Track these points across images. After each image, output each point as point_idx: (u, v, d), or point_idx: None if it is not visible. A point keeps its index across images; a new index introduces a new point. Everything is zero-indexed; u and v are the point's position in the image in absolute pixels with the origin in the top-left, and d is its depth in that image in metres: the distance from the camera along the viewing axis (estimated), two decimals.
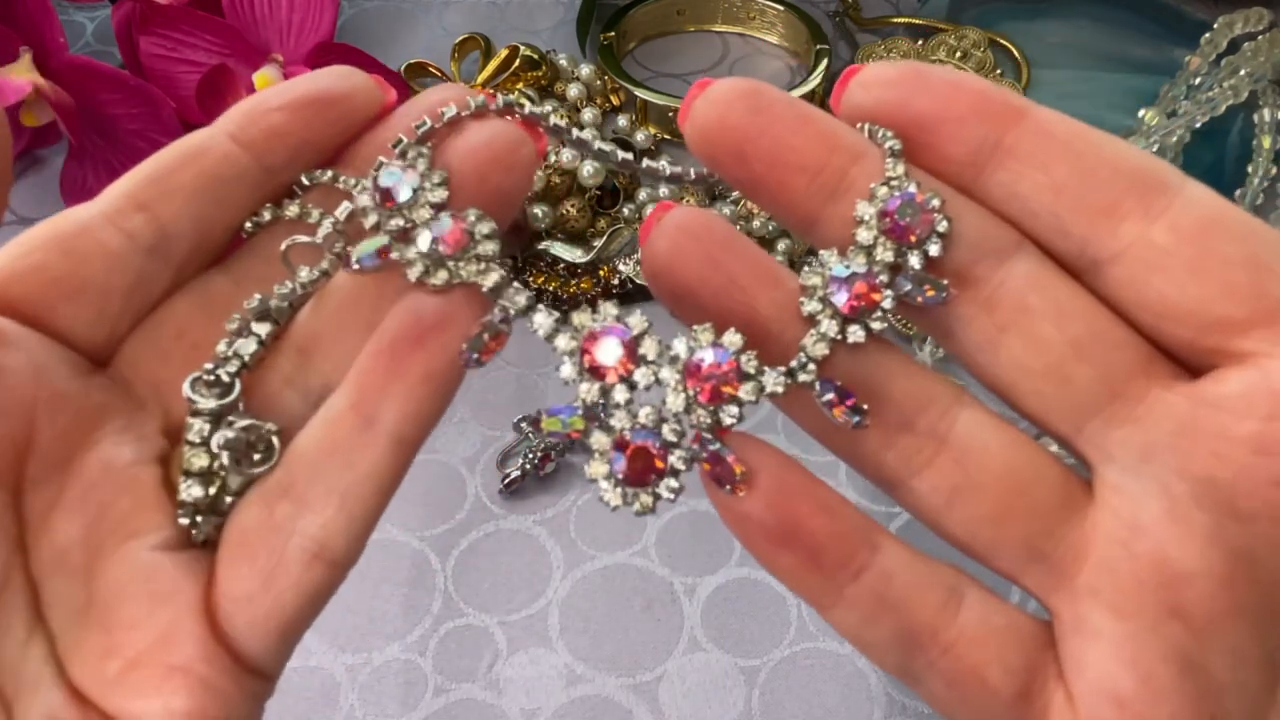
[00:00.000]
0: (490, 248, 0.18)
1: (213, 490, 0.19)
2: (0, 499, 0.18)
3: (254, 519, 0.19)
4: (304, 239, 0.20)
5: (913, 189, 0.18)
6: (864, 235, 0.18)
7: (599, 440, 0.18)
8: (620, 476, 0.18)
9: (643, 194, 0.40)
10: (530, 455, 0.36)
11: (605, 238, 0.40)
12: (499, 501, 0.36)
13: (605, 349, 0.18)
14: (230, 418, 0.19)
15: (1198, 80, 0.42)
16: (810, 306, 0.18)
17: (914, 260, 0.18)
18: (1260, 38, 0.42)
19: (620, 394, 0.18)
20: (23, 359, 0.18)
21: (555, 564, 0.35)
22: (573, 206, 0.41)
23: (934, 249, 0.18)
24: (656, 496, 0.18)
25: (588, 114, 0.44)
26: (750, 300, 0.18)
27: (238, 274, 0.21)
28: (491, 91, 0.21)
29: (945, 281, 0.18)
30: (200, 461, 0.19)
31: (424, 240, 0.18)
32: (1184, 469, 0.17)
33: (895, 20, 0.50)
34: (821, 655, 0.33)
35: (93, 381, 0.19)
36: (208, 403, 0.19)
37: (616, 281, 0.41)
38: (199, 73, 0.41)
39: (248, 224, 0.21)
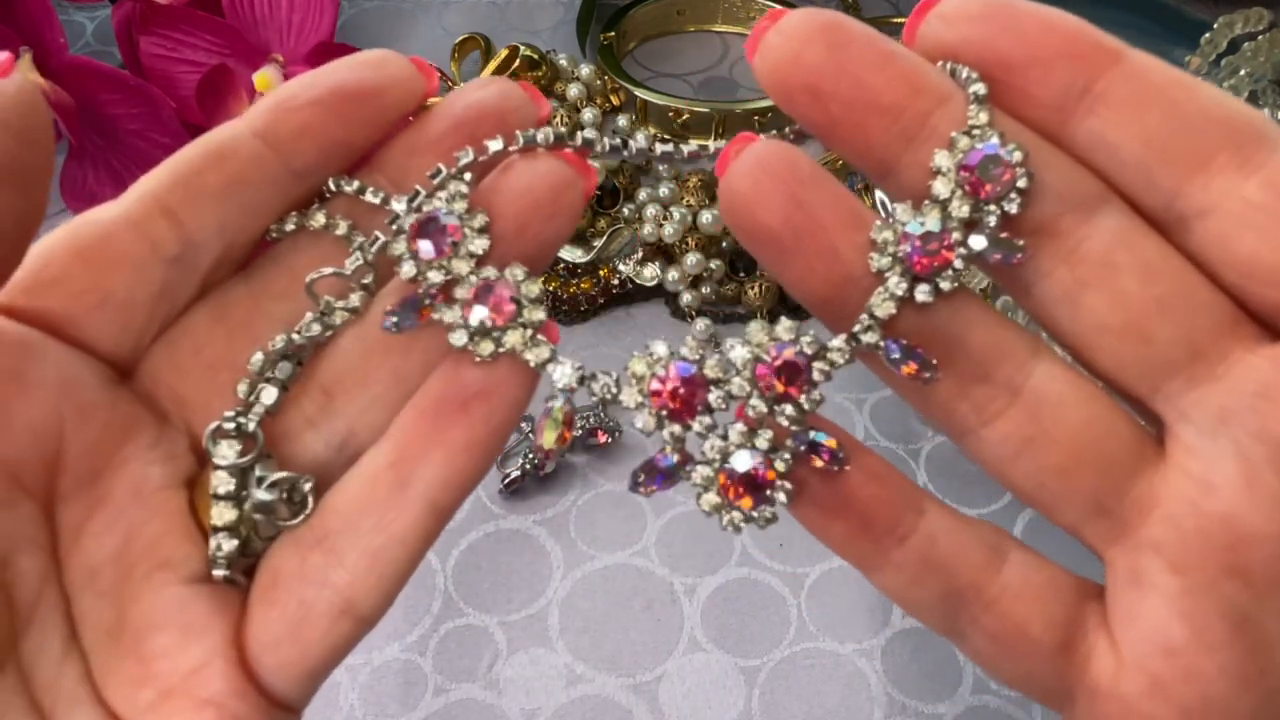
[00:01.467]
0: (538, 315, 0.18)
1: (244, 535, 0.19)
2: (32, 512, 0.18)
3: (287, 566, 0.19)
4: (329, 271, 0.19)
5: (995, 141, 0.17)
6: (940, 188, 0.17)
7: (703, 474, 0.18)
8: (733, 499, 0.18)
9: (642, 194, 0.40)
10: (530, 455, 0.36)
11: (605, 238, 0.40)
12: (499, 501, 0.36)
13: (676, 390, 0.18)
14: (260, 473, 0.19)
15: None
16: (879, 262, 0.18)
17: (990, 218, 0.17)
18: (1260, 38, 0.42)
19: (702, 422, 0.18)
20: (51, 371, 0.18)
21: (555, 564, 0.35)
22: None
23: (1012, 206, 0.17)
24: (773, 504, 0.18)
25: (588, 114, 0.44)
26: (834, 244, 0.18)
27: (257, 286, 0.20)
28: (541, 93, 0.20)
29: (1021, 242, 0.17)
30: (229, 515, 0.19)
31: (475, 316, 0.18)
32: (1262, 431, 0.17)
33: (896, 20, 0.50)
34: (821, 655, 0.33)
35: (119, 393, 0.19)
36: (231, 456, 0.19)
37: (616, 281, 0.41)
38: (199, 73, 0.41)
39: (272, 230, 0.20)
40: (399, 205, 0.19)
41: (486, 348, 0.18)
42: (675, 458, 0.18)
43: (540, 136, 0.19)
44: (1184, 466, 0.17)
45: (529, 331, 0.18)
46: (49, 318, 0.18)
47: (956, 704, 0.32)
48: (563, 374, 0.18)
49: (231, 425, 0.19)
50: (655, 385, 0.18)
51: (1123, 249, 0.17)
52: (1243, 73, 0.41)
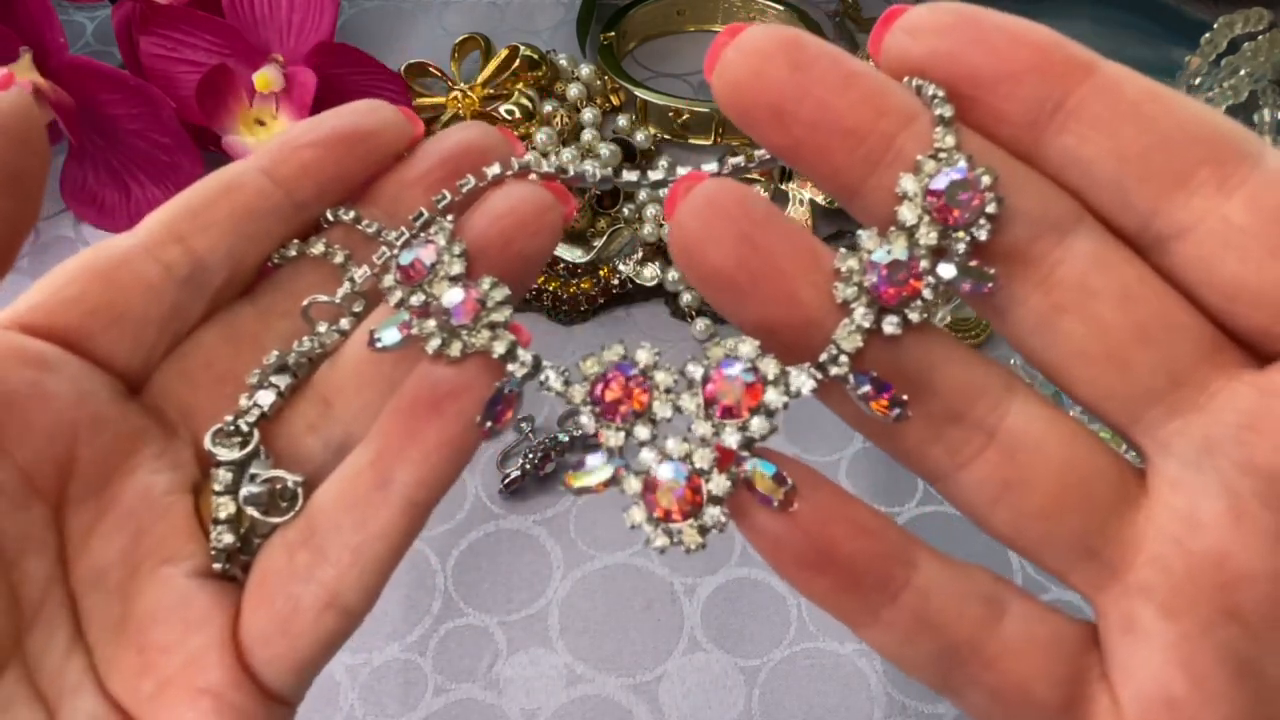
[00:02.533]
0: (502, 315, 0.18)
1: (242, 530, 0.20)
2: (44, 516, 0.19)
3: (276, 564, 0.20)
4: (323, 298, 0.21)
5: (963, 165, 0.16)
6: (906, 213, 0.17)
7: (630, 484, 0.17)
8: (659, 516, 0.17)
9: (643, 194, 0.40)
10: (530, 455, 0.36)
11: (605, 238, 0.40)
12: (499, 501, 0.36)
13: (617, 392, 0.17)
14: (254, 470, 0.20)
15: (1198, 80, 0.42)
16: (845, 293, 0.17)
17: (959, 245, 0.17)
18: (1260, 38, 0.42)
19: (644, 432, 0.17)
20: (66, 383, 0.19)
21: (555, 564, 0.35)
22: None
23: (981, 233, 0.16)
24: (704, 529, 0.17)
25: (588, 114, 0.44)
26: (792, 286, 0.17)
27: (263, 306, 0.22)
28: (519, 138, 0.21)
29: (992, 270, 0.16)
30: (228, 509, 0.20)
31: (448, 299, 0.18)
32: (1248, 463, 0.16)
33: None
34: (821, 655, 0.33)
35: (130, 406, 0.20)
36: (229, 453, 0.20)
37: (616, 281, 0.41)
38: (199, 73, 0.41)
39: (274, 257, 0.22)
40: (391, 235, 0.20)
41: (456, 347, 0.18)
42: (603, 459, 0.17)
43: (501, 171, 0.20)
44: (1168, 501, 0.17)
45: (494, 331, 0.18)
46: (67, 334, 0.19)
47: None
48: (552, 380, 0.18)
49: (231, 426, 0.20)
50: (598, 390, 0.17)
51: (1098, 273, 0.16)
52: (1243, 73, 0.41)
